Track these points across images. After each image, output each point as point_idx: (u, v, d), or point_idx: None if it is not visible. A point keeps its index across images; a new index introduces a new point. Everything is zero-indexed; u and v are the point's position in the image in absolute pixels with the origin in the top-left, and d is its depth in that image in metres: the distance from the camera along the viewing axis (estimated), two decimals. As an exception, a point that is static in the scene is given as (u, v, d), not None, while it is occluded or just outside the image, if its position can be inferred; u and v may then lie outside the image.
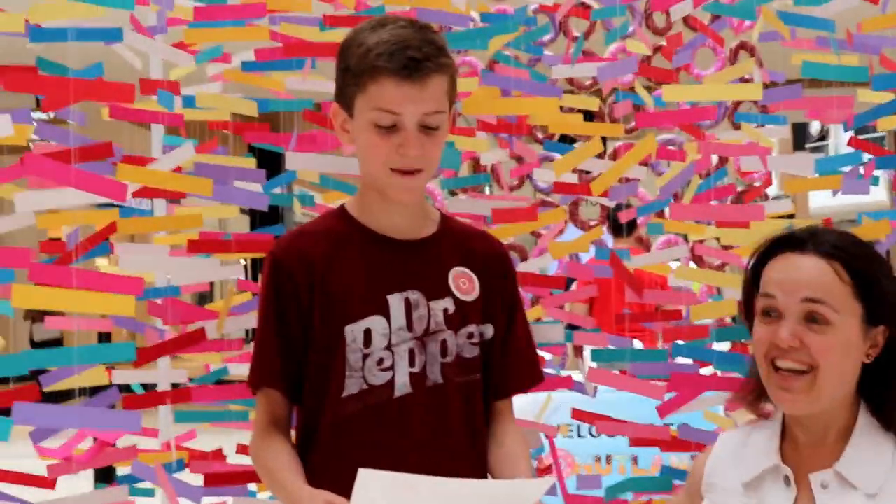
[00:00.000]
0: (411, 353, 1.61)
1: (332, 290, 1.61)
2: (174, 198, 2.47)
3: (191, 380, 2.57)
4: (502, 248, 1.77)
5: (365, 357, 1.59)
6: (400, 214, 1.66)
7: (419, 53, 1.55)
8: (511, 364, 1.72)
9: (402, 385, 1.60)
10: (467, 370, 1.64)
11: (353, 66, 1.58)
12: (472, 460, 1.64)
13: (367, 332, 1.60)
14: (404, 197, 1.62)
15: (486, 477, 1.66)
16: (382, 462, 1.50)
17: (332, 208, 1.76)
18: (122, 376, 2.44)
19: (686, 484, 1.75)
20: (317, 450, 1.61)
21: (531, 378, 1.75)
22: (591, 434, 3.86)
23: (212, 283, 2.67)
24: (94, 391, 2.29)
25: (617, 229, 4.53)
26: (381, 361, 1.60)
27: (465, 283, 1.67)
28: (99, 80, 2.08)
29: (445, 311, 1.63)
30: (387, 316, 1.61)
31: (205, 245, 2.43)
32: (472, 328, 1.65)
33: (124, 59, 2.59)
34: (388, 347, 1.60)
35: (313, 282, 1.61)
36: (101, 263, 2.82)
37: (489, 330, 1.69)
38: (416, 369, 1.61)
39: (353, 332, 1.60)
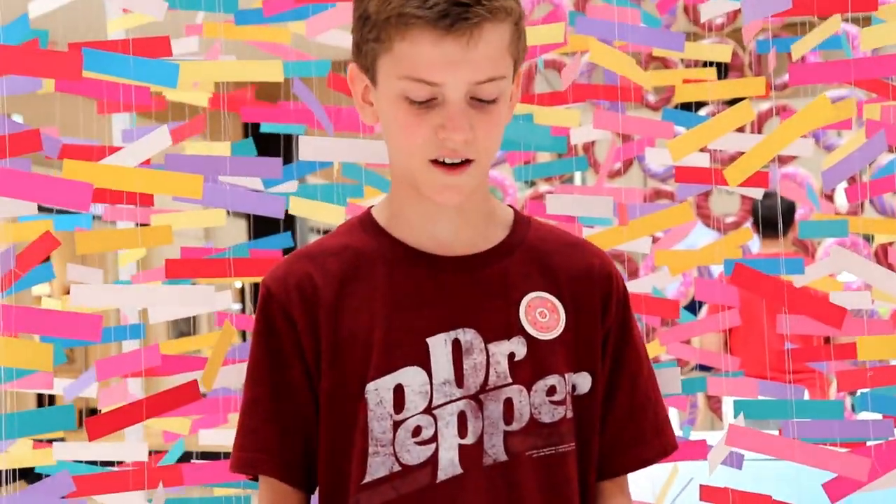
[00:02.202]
0: (462, 417, 1.57)
1: (346, 331, 1.58)
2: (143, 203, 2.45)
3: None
4: (603, 260, 1.70)
5: (396, 425, 1.56)
6: (448, 221, 1.61)
7: None
8: (618, 430, 1.67)
9: (449, 463, 1.56)
10: (547, 440, 1.59)
11: (372, 13, 1.53)
12: None
13: (399, 390, 1.56)
14: (446, 199, 1.57)
15: None
16: None
17: (354, 216, 1.72)
18: (64, 451, 2.43)
19: None
20: None
21: (655, 449, 1.70)
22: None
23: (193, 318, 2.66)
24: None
25: (767, 229, 4.45)
26: (418, 431, 1.56)
27: (544, 314, 1.62)
28: (31, 48, 2.05)
29: (511, 356, 1.59)
30: (426, 366, 1.56)
31: (189, 267, 2.42)
32: (553, 379, 1.60)
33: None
34: (429, 411, 1.56)
35: (319, 321, 1.58)
36: (40, 292, 2.83)
37: (585, 381, 1.63)
38: (470, 441, 1.57)
39: (379, 390, 1.56)
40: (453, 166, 1.53)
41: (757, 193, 2.90)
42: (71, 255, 2.42)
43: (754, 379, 2.75)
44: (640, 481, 3.19)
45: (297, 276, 1.60)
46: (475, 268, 1.61)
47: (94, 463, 2.58)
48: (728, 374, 3.01)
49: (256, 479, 1.64)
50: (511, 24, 1.54)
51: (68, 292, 2.55)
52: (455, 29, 1.47)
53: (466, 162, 1.53)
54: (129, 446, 2.59)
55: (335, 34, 2.51)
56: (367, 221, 1.66)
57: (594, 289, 1.66)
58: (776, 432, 2.57)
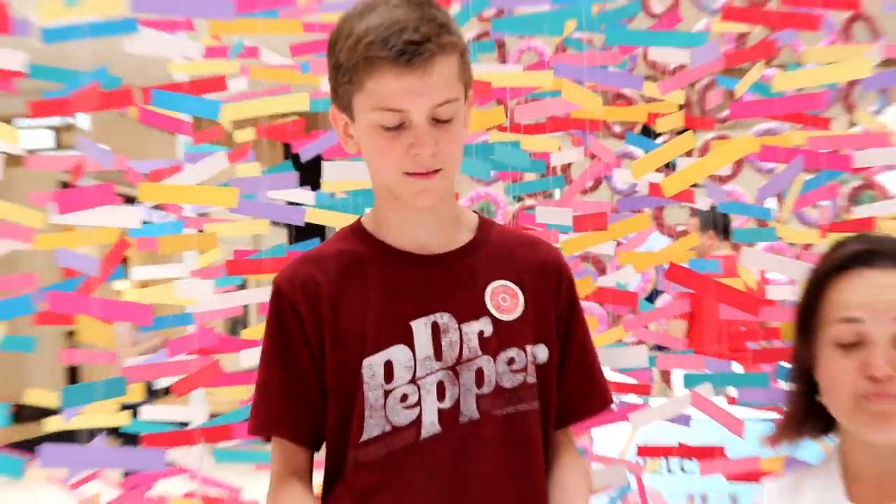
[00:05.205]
0: (440, 385, 1.55)
1: (344, 319, 1.56)
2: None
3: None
4: (555, 254, 1.69)
5: (387, 394, 1.54)
6: (424, 225, 1.60)
7: (417, 35, 1.46)
8: (569, 388, 1.66)
9: (431, 424, 1.54)
10: (510, 400, 1.58)
11: (343, 62, 1.50)
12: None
13: (388, 365, 1.54)
14: (423, 201, 1.55)
15: None
16: None
17: (347, 225, 1.70)
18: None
19: None
20: (341, 497, 1.57)
21: (596, 403, 1.70)
22: (682, 470, 3.77)
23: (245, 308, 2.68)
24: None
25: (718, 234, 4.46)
26: (405, 398, 1.54)
27: (505, 299, 1.60)
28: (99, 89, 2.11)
29: (481, 334, 1.57)
30: (411, 345, 1.54)
31: (242, 266, 2.44)
32: (512, 352, 1.58)
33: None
34: (413, 381, 1.54)
35: (321, 313, 1.56)
36: (122, 287, 2.85)
37: (542, 352, 1.62)
38: (447, 405, 1.55)
39: (372, 365, 1.54)
40: (425, 174, 1.51)
41: (703, 205, 2.90)
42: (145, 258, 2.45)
43: (702, 356, 2.74)
44: (608, 441, 3.21)
45: (302, 277, 1.57)
46: (448, 264, 1.59)
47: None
48: (680, 352, 3.01)
49: (269, 441, 1.62)
50: (458, 56, 1.52)
51: (143, 286, 2.58)
52: (412, 64, 1.45)
53: (436, 171, 1.52)
54: (190, 409, 2.60)
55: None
56: (357, 230, 1.64)
57: (548, 278, 1.65)
58: (724, 399, 2.58)
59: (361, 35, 1.47)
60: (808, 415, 1.64)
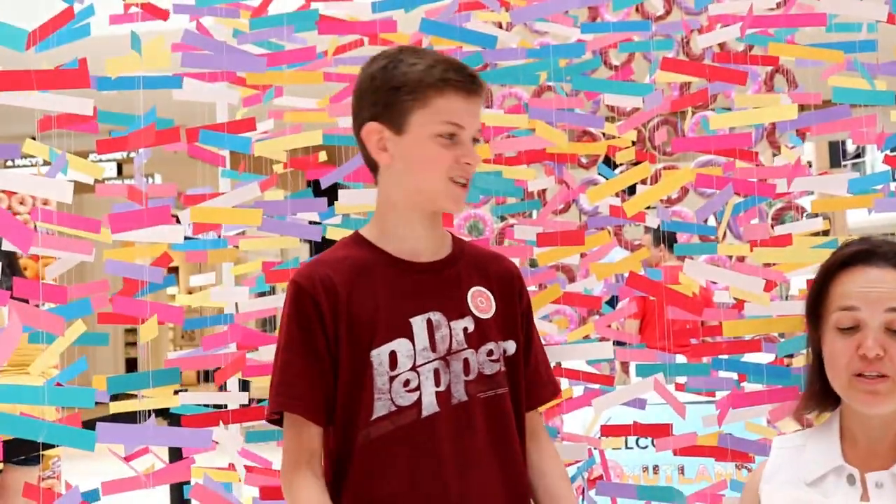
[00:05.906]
0: (436, 372, 1.57)
1: (356, 315, 1.56)
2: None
3: (258, 401, 2.62)
4: (515, 268, 1.73)
5: (392, 379, 1.55)
6: (423, 237, 1.62)
7: (474, 72, 1.58)
8: (531, 378, 1.69)
9: (430, 405, 1.56)
10: (489, 385, 1.61)
11: (410, 82, 1.54)
12: (500, 474, 1.60)
13: (393, 355, 1.55)
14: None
15: (513, 486, 1.62)
16: (416, 481, 1.52)
17: (346, 236, 1.71)
18: (190, 398, 2.52)
19: (744, 492, 1.76)
20: (350, 471, 1.56)
21: (552, 390, 1.73)
22: (638, 445, 3.83)
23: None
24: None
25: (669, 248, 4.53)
26: (407, 382, 1.55)
27: (483, 301, 1.63)
28: (155, 128, 2.20)
29: (465, 329, 1.60)
30: (411, 338, 1.56)
31: (276, 275, 2.53)
32: (491, 345, 1.61)
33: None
34: (414, 368, 1.56)
35: (338, 308, 1.55)
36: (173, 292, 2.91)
37: (511, 346, 1.65)
38: (442, 388, 1.57)
39: (380, 355, 1.55)
40: (464, 185, 1.59)
41: (653, 224, 2.96)
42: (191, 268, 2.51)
43: (653, 350, 2.79)
44: (576, 421, 3.26)
45: (321, 276, 1.57)
46: (438, 271, 1.63)
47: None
48: (635, 346, 3.07)
49: (276, 422, 1.60)
50: None
51: (190, 292, 2.64)
52: (475, 91, 1.57)
53: (468, 183, 1.60)
54: (231, 395, 2.65)
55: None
56: (358, 239, 1.65)
57: (513, 285, 1.69)
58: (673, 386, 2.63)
59: (432, 63, 1.55)
60: (826, 390, 1.66)
